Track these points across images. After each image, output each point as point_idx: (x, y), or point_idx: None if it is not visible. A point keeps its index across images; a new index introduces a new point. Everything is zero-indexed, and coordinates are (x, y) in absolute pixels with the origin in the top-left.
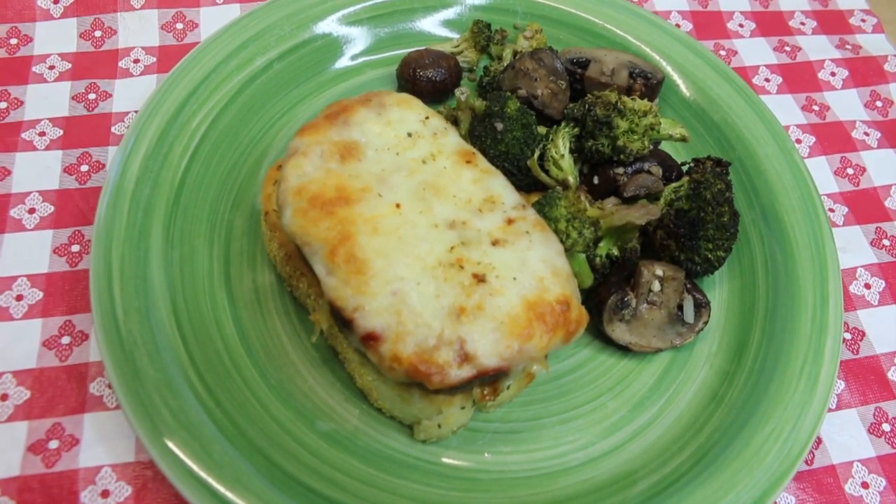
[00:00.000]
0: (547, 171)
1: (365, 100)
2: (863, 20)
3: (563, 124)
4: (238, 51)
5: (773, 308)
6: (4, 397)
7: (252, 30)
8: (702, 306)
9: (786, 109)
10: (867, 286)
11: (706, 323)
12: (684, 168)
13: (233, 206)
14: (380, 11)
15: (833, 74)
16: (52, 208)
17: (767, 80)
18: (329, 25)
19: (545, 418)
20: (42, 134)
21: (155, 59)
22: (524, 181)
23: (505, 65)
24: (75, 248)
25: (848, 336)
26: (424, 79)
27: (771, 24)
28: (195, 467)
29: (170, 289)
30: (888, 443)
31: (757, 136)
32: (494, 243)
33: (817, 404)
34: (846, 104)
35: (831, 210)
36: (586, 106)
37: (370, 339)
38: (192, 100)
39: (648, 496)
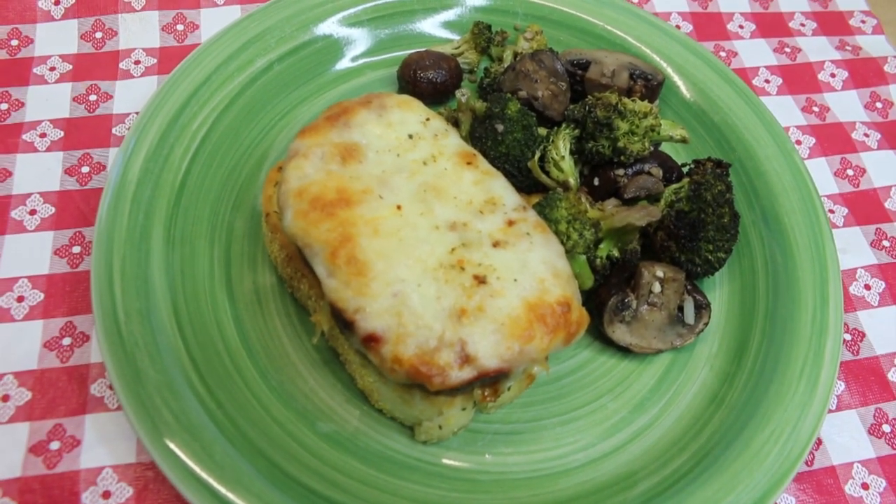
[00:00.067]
0: (547, 173)
1: (366, 101)
2: (863, 21)
3: (563, 126)
4: (239, 52)
5: (774, 309)
6: (6, 398)
7: (253, 31)
8: (702, 307)
9: (786, 111)
10: (867, 287)
11: (706, 324)
12: (685, 169)
13: (233, 207)
14: (380, 13)
15: (833, 76)
16: (53, 209)
17: (767, 81)
18: (330, 27)
19: (546, 419)
20: (43, 135)
21: (156, 61)
22: (525, 183)
23: (505, 66)
24: (76, 249)
25: (848, 337)
26: (425, 80)
27: (771, 25)
28: (196, 468)
29: (171, 290)
30: (888, 444)
31: (757, 137)
32: (495, 245)
33: (817, 405)
34: (846, 105)
35: (831, 211)
36: (587, 107)
37: (371, 340)
38: (193, 101)
39: (649, 497)
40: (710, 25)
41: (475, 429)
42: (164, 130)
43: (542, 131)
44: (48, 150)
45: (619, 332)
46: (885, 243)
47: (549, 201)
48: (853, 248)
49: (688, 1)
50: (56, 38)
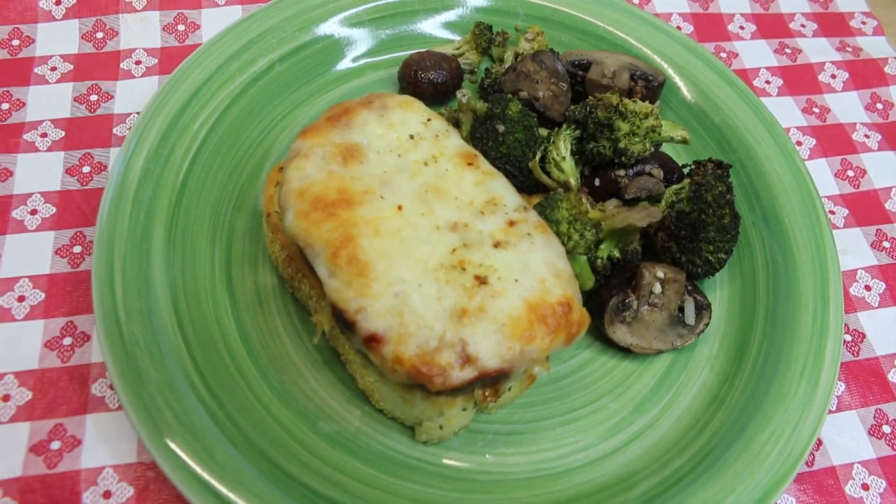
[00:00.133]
0: (548, 174)
1: (367, 102)
2: (863, 22)
3: (564, 126)
4: (240, 52)
5: (774, 310)
6: (6, 398)
7: (254, 31)
8: (703, 308)
9: (786, 111)
10: (867, 288)
11: (707, 325)
12: (685, 170)
13: (234, 207)
14: (381, 13)
15: (833, 77)
16: (54, 209)
17: (768, 82)
18: (331, 27)
19: (546, 420)
20: (44, 135)
21: (157, 61)
22: (526, 183)
23: (506, 67)
24: (77, 249)
25: (848, 338)
26: (426, 81)
27: (771, 26)
28: (197, 468)
29: (172, 290)
30: (888, 444)
31: (758, 138)
32: (496, 245)
33: (818, 406)
34: (847, 106)
35: (832, 212)
36: (587, 108)
37: (372, 340)
38: (194, 101)
39: (649, 498)
40: (710, 26)
41: (476, 429)
42: (165, 130)
43: (543, 132)
44: (49, 149)
45: (620, 333)
46: (886, 244)
47: (549, 202)
48: (854, 249)
49: (688, 2)
50: (57, 38)
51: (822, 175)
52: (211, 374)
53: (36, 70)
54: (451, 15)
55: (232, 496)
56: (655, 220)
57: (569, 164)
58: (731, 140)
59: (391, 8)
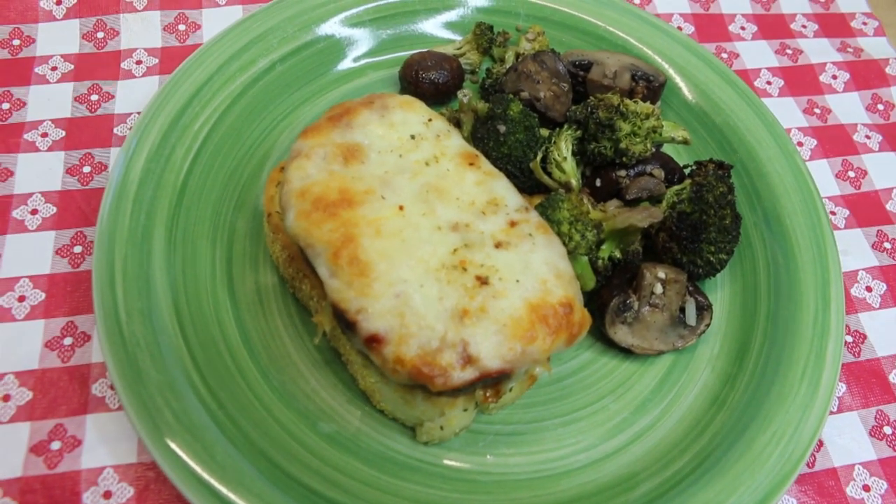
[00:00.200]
0: (549, 174)
1: (368, 102)
2: (864, 23)
3: (565, 127)
4: (241, 52)
5: (775, 310)
6: (7, 398)
7: (255, 31)
8: (704, 309)
9: (787, 112)
10: (868, 289)
11: (708, 325)
12: (686, 171)
13: (235, 207)
14: (382, 13)
15: (834, 77)
16: (55, 209)
17: (769, 82)
18: (332, 27)
19: (547, 420)
20: (44, 135)
21: (157, 61)
22: (527, 183)
23: (507, 67)
24: (77, 249)
25: (849, 339)
26: (427, 81)
27: (772, 26)
28: (197, 468)
29: (172, 290)
30: (889, 446)
31: (759, 138)
32: (497, 246)
33: (819, 407)
34: (848, 107)
35: (833, 213)
36: (588, 108)
37: (373, 341)
38: (195, 101)
39: (650, 499)
40: (711, 27)
41: (477, 430)
42: (165, 130)
43: (544, 132)
44: (50, 149)
45: (621, 334)
46: (887, 245)
47: (551, 202)
48: (854, 249)
49: (689, 2)
50: (58, 38)
51: (823, 176)
52: (211, 375)
53: (36, 70)
54: (452, 15)
55: (232, 496)
56: (656, 220)
57: (570, 165)
58: (732, 141)
59: (392, 8)
